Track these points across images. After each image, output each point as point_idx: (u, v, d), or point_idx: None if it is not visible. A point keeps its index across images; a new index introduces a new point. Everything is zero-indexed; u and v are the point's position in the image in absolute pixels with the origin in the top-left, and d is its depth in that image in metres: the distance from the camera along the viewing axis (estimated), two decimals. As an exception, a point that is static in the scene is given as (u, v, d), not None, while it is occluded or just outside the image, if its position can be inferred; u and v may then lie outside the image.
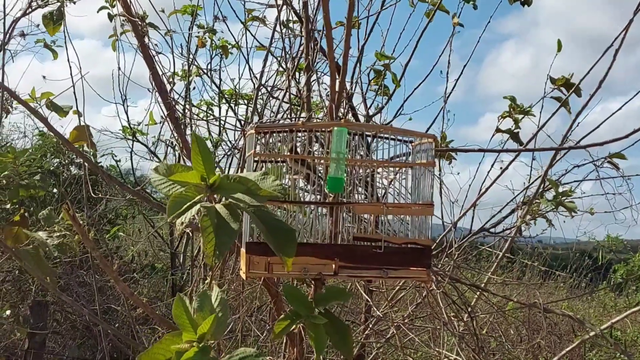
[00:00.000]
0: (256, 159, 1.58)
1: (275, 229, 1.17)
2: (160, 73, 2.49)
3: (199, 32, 3.76)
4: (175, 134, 2.44)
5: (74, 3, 2.60)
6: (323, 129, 1.65)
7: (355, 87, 3.04)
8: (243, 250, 1.54)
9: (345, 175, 1.58)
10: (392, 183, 1.70)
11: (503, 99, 3.06)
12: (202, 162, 1.14)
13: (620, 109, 2.73)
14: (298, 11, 2.78)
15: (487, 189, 2.96)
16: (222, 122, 3.74)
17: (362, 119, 3.01)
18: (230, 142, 3.56)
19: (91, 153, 4.83)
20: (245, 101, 4.00)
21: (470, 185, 3.06)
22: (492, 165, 3.13)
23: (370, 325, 2.88)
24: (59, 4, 2.55)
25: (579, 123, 2.97)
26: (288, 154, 1.63)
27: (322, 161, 1.67)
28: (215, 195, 1.17)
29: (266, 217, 1.17)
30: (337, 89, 1.79)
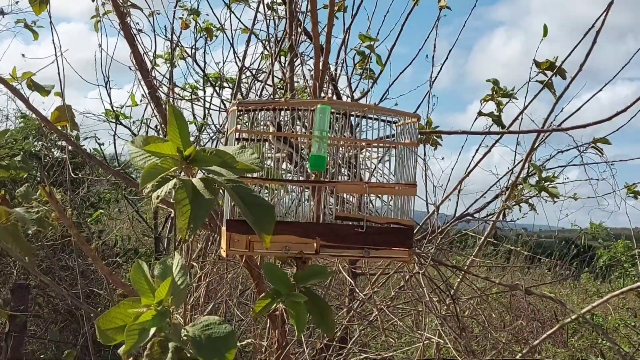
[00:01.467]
0: (238, 135, 1.56)
1: (253, 204, 1.15)
2: (142, 52, 2.46)
3: (183, 14, 3.72)
4: (157, 113, 2.42)
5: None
6: (306, 107, 1.64)
7: (341, 70, 3.03)
8: (224, 228, 1.53)
9: (327, 153, 1.57)
10: (375, 163, 1.69)
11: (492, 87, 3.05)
12: (179, 133, 1.11)
13: (601, 89, 2.72)
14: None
15: (469, 173, 2.96)
16: (207, 105, 3.70)
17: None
18: (215, 125, 3.53)
19: (74, 135, 4.79)
20: (231, 85, 3.96)
21: (452, 169, 3.06)
22: (476, 150, 3.13)
23: (354, 308, 2.88)
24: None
25: (563, 109, 2.98)
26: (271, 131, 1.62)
27: (304, 140, 1.66)
28: (193, 170, 1.15)
29: (243, 192, 1.15)
30: (320, 67, 1.77)
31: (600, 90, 2.73)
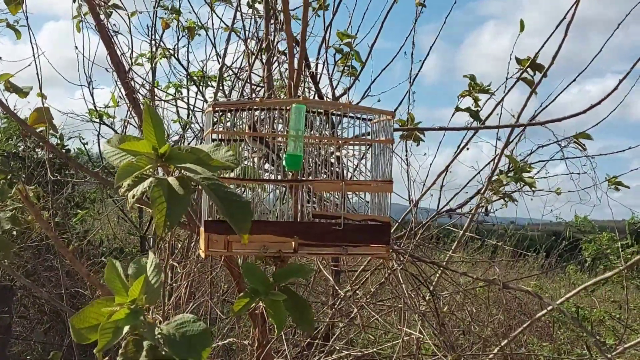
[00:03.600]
0: (214, 136, 1.57)
1: (230, 202, 1.15)
2: (120, 53, 2.46)
3: (165, 14, 3.71)
4: (135, 114, 2.41)
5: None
6: (282, 107, 1.64)
7: (322, 68, 3.03)
8: (202, 228, 1.53)
9: (303, 152, 1.57)
10: (352, 160, 1.70)
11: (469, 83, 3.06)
12: (154, 131, 1.12)
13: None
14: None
15: (446, 167, 2.98)
16: (192, 105, 3.69)
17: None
18: (199, 124, 3.53)
19: (59, 134, 4.77)
20: (214, 83, 3.95)
21: (431, 165, 3.08)
22: (458, 146, 3.14)
23: (335, 305, 2.89)
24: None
25: (542, 103, 2.99)
26: (247, 131, 1.62)
27: (280, 139, 1.67)
28: (170, 168, 1.15)
29: (220, 189, 1.15)
30: (295, 66, 1.77)
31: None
